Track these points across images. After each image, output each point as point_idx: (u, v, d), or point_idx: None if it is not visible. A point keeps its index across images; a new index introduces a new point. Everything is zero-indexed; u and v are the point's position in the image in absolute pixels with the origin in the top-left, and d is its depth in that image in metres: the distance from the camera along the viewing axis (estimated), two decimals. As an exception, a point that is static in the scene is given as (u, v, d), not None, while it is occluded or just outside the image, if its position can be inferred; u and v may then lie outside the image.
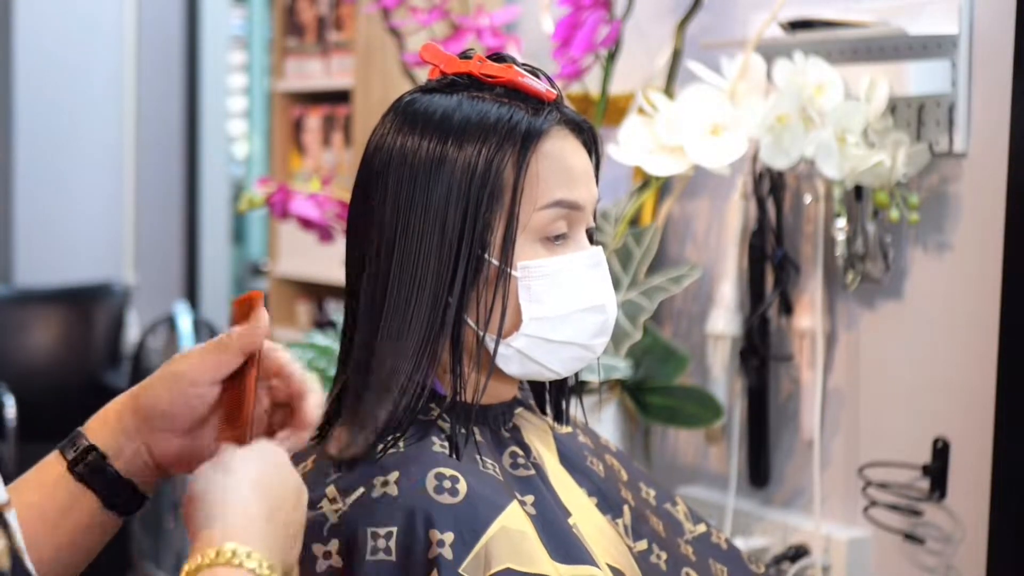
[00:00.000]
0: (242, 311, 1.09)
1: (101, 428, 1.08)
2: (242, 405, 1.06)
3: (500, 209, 1.16)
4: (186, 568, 0.92)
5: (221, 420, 1.07)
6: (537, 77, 1.20)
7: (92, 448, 1.06)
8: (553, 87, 1.20)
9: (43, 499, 1.05)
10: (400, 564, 1.08)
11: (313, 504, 1.09)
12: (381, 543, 1.08)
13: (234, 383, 1.07)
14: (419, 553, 1.08)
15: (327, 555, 1.09)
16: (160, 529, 3.89)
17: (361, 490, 1.10)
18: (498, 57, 1.21)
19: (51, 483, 1.06)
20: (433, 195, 1.15)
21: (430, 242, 1.15)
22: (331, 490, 1.12)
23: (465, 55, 1.22)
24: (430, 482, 1.11)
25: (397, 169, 1.17)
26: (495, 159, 1.15)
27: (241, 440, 1.04)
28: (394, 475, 1.11)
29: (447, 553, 1.08)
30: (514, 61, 1.20)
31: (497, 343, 1.17)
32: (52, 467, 1.07)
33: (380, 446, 1.14)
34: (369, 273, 1.17)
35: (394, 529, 1.08)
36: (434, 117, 1.17)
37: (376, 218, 1.17)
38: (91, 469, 1.06)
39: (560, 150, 1.18)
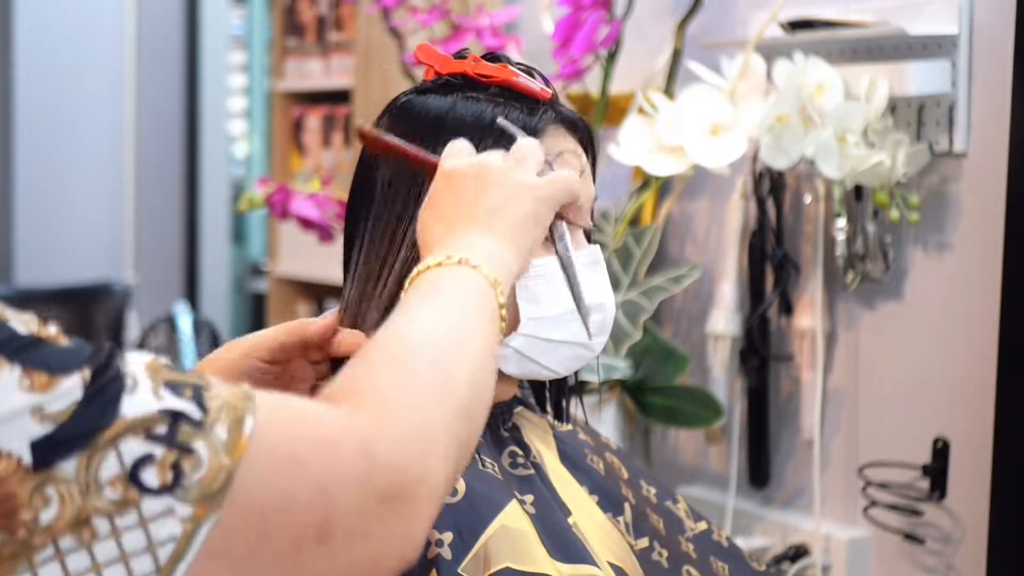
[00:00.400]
0: None
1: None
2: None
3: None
4: (412, 273, 0.95)
5: None
6: (532, 76, 1.19)
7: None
8: (548, 86, 1.20)
9: None
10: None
11: None
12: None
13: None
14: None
15: None
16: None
17: None
18: (492, 57, 1.21)
19: None
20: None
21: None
22: None
23: (459, 55, 1.21)
24: (429, 481, 1.11)
25: (393, 171, 1.16)
26: None
27: None
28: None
29: (446, 553, 1.07)
30: (509, 61, 1.20)
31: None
32: None
33: None
34: (366, 275, 1.17)
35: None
36: (429, 117, 1.17)
37: (372, 220, 1.17)
38: None
39: (556, 149, 1.17)
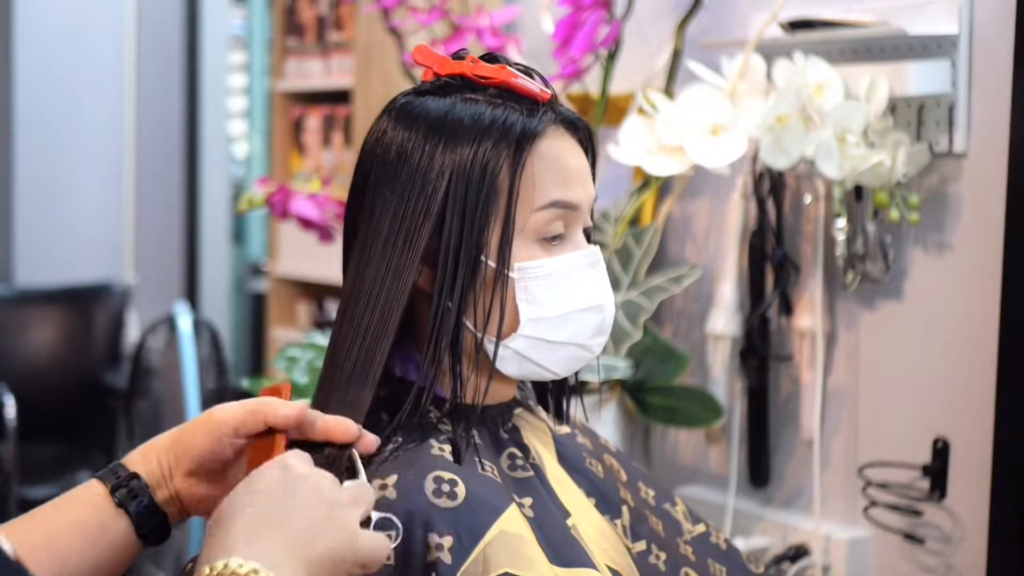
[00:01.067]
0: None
1: (143, 462, 1.12)
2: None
3: (496, 211, 1.15)
4: None
5: (246, 470, 1.09)
6: (531, 77, 1.19)
7: (135, 476, 1.11)
8: (547, 87, 1.20)
9: (85, 516, 1.10)
10: (399, 568, 1.08)
11: None
12: None
13: (259, 448, 1.10)
14: (417, 557, 1.08)
15: None
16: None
17: None
18: (491, 58, 1.21)
19: (93, 503, 1.10)
20: (429, 199, 1.15)
21: (427, 245, 1.15)
22: None
23: (458, 56, 1.21)
24: (429, 485, 1.11)
25: (391, 172, 1.16)
26: (490, 161, 1.14)
27: None
28: (392, 478, 1.11)
29: (446, 557, 1.07)
30: (507, 61, 1.20)
31: (497, 345, 1.17)
32: (94, 489, 1.11)
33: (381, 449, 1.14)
34: (365, 275, 1.17)
35: (392, 533, 1.08)
36: (427, 119, 1.16)
37: (372, 222, 1.17)
38: (132, 494, 1.11)
39: (555, 150, 1.17)
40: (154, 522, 1.11)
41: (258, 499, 0.98)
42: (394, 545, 1.06)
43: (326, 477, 1.02)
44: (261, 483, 1.00)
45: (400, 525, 1.07)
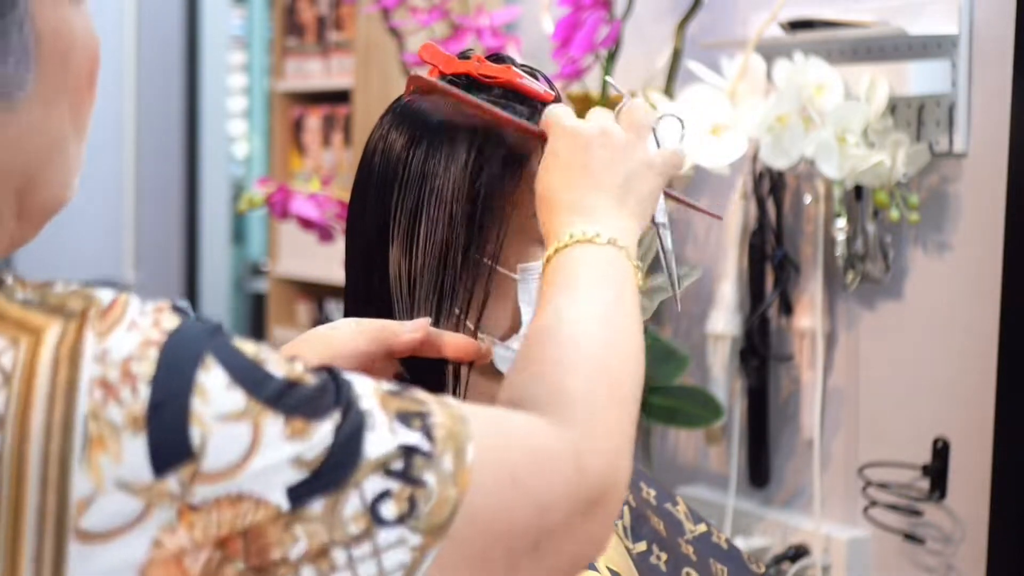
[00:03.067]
0: None
1: None
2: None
3: (499, 212, 1.15)
4: (547, 254, 0.97)
5: None
6: (536, 78, 1.19)
7: None
8: (551, 88, 1.20)
9: None
10: None
11: None
12: None
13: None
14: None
15: None
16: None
17: None
18: (497, 58, 1.21)
19: None
20: (431, 198, 1.15)
21: (429, 245, 1.15)
22: None
23: (464, 55, 1.21)
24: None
25: (395, 171, 1.16)
26: (493, 161, 1.15)
27: None
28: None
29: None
30: (513, 62, 1.20)
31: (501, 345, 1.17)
32: None
33: None
34: (365, 276, 1.17)
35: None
36: (432, 119, 1.17)
37: (375, 221, 1.17)
38: None
39: None
40: None
41: (595, 162, 1.01)
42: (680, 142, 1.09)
43: (610, 122, 1.04)
44: (568, 157, 1.01)
45: (682, 119, 1.10)
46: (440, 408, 0.79)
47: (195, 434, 0.70)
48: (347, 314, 1.21)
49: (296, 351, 1.09)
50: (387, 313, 1.17)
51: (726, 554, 1.33)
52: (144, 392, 0.70)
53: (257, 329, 5.02)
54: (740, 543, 1.97)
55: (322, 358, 1.08)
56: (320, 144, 3.36)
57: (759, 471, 2.08)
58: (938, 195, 1.84)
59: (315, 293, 3.42)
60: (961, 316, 1.82)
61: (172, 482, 0.69)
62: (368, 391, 0.77)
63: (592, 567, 1.15)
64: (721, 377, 2.05)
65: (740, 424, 2.07)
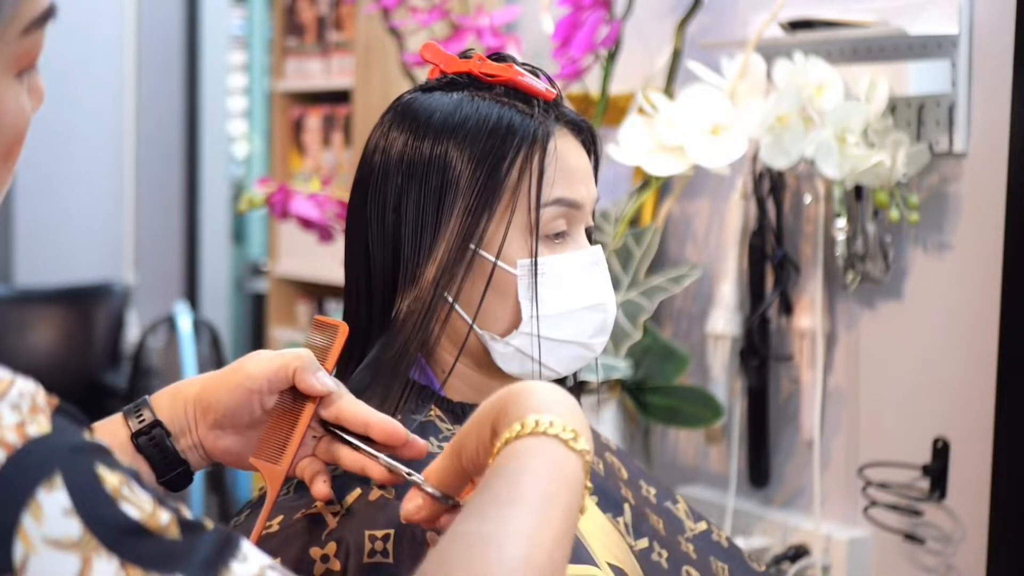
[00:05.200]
0: (321, 329, 1.09)
1: (169, 406, 1.07)
2: (289, 436, 1.05)
3: (500, 208, 1.16)
4: (496, 446, 0.90)
5: (265, 433, 1.06)
6: (537, 77, 1.20)
7: (157, 423, 1.06)
8: (553, 87, 1.20)
9: None
10: (398, 566, 1.07)
11: (308, 504, 1.09)
12: (379, 545, 1.07)
13: (285, 412, 1.06)
14: (417, 555, 1.08)
15: (325, 558, 1.09)
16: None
17: (358, 492, 1.10)
18: (498, 57, 1.21)
19: (114, 445, 1.05)
20: (433, 195, 1.15)
21: (431, 242, 1.15)
22: None
23: (465, 55, 1.22)
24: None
25: (396, 169, 1.17)
26: (495, 159, 1.15)
27: (282, 467, 1.05)
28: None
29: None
30: (514, 61, 1.20)
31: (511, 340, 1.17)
32: (116, 430, 1.06)
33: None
34: (366, 274, 1.17)
35: (391, 532, 1.08)
36: (434, 117, 1.17)
37: (375, 219, 1.17)
38: (153, 443, 1.06)
39: (560, 149, 1.18)
40: (175, 471, 1.07)
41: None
42: None
43: None
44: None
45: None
46: None
47: (18, 550, 0.67)
48: (347, 313, 1.22)
49: (214, 380, 1.06)
50: (387, 312, 1.17)
51: (726, 552, 1.33)
52: None
53: (257, 329, 5.02)
54: (740, 543, 1.97)
55: (235, 382, 1.05)
56: (320, 144, 3.36)
57: (759, 471, 2.08)
58: (938, 195, 1.85)
59: (315, 293, 3.43)
60: (961, 316, 1.82)
61: None
62: (256, 567, 0.72)
63: (592, 563, 1.15)
64: (721, 377, 2.05)
65: (740, 424, 2.07)
